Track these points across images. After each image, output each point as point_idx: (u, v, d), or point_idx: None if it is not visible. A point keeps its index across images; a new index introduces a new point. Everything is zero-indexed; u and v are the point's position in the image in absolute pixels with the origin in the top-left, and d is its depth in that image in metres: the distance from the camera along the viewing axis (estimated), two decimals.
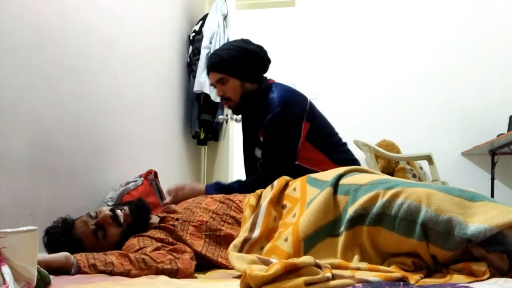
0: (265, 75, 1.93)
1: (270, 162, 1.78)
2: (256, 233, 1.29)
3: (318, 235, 1.19)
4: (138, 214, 1.43)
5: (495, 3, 3.86)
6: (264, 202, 1.38)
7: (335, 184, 1.26)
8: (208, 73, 1.87)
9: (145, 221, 1.44)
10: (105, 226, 1.36)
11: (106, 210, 1.40)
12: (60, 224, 1.39)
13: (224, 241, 1.38)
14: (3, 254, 0.77)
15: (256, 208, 1.42)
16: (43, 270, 0.92)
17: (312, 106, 1.88)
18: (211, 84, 1.88)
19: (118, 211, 1.40)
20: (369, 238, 1.11)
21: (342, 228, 1.16)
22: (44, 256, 1.14)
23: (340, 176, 1.30)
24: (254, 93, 1.84)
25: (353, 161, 1.92)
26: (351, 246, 1.14)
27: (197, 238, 1.37)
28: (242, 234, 1.31)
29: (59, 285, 0.95)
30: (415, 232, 1.03)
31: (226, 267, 1.30)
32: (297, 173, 1.62)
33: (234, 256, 1.19)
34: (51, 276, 0.96)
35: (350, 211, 1.15)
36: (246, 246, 1.27)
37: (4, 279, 0.74)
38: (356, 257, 1.11)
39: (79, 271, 1.12)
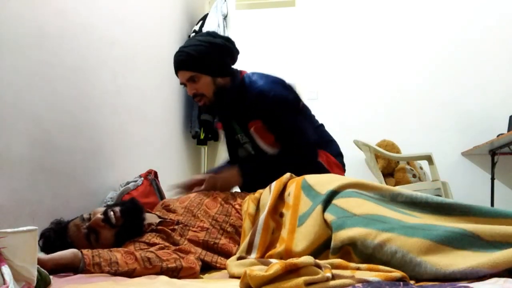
0: (235, 66, 1.83)
1: (303, 142, 1.70)
2: (253, 256, 1.26)
3: (314, 256, 1.17)
4: (129, 216, 1.38)
5: (494, 3, 3.86)
6: (262, 216, 1.33)
7: (327, 202, 1.22)
8: (176, 72, 1.77)
9: (138, 222, 1.40)
10: (97, 229, 1.33)
11: (99, 212, 1.36)
12: (54, 227, 1.37)
13: (221, 251, 1.36)
14: (3, 254, 0.77)
15: (255, 217, 1.40)
16: (43, 270, 0.92)
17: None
18: (181, 83, 1.79)
19: (111, 213, 1.36)
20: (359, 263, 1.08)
21: (331, 251, 1.13)
22: (52, 254, 1.14)
23: (334, 193, 1.24)
24: (229, 88, 1.76)
25: (330, 142, 1.89)
26: (345, 257, 1.12)
27: (195, 244, 1.36)
28: (239, 253, 1.29)
29: (59, 285, 0.95)
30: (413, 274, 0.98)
31: (225, 269, 1.30)
32: None
33: (232, 265, 1.18)
34: (51, 276, 0.96)
35: (338, 239, 1.10)
36: None
37: (4, 279, 0.74)
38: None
39: (84, 267, 1.12)
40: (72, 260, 1.13)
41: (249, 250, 1.28)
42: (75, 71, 1.81)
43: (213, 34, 1.79)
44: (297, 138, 1.73)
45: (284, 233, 1.27)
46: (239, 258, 1.26)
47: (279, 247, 1.24)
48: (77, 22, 1.84)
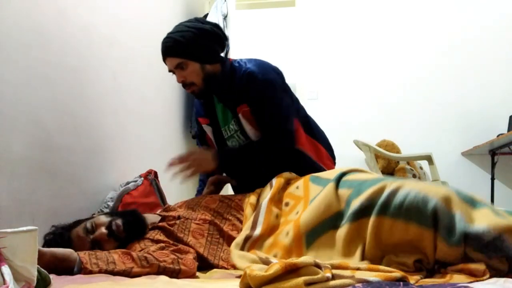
0: (223, 54, 1.79)
1: (283, 128, 1.66)
2: (258, 231, 1.30)
3: (320, 229, 1.19)
4: (131, 229, 1.39)
5: (495, 3, 3.86)
6: (264, 201, 1.38)
7: (338, 180, 1.27)
8: (164, 59, 1.71)
9: (140, 235, 1.41)
10: (102, 242, 1.35)
11: (102, 225, 1.37)
12: (57, 238, 1.37)
13: (226, 241, 1.38)
14: (3, 254, 0.77)
15: (256, 206, 1.43)
16: (43, 270, 0.92)
17: None
18: (170, 71, 1.74)
19: (115, 227, 1.37)
20: (373, 230, 1.10)
21: (345, 220, 1.16)
22: (51, 248, 1.15)
23: (343, 174, 1.30)
24: (219, 74, 1.72)
25: (318, 133, 1.85)
26: (355, 240, 1.13)
27: (199, 236, 1.37)
28: (244, 232, 1.32)
29: (59, 285, 0.95)
30: (424, 219, 1.04)
31: (226, 269, 1.30)
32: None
33: (236, 254, 1.20)
34: (51, 276, 0.96)
35: (355, 203, 1.15)
36: (248, 243, 1.28)
37: (4, 279, 0.74)
38: (358, 252, 1.11)
39: (81, 268, 1.12)
40: (68, 256, 1.13)
41: (253, 227, 1.32)
42: (75, 71, 1.81)
43: (201, 20, 1.74)
44: (278, 124, 1.66)
45: (295, 217, 1.30)
46: (246, 238, 1.28)
47: (287, 225, 1.27)
48: (77, 22, 1.84)
